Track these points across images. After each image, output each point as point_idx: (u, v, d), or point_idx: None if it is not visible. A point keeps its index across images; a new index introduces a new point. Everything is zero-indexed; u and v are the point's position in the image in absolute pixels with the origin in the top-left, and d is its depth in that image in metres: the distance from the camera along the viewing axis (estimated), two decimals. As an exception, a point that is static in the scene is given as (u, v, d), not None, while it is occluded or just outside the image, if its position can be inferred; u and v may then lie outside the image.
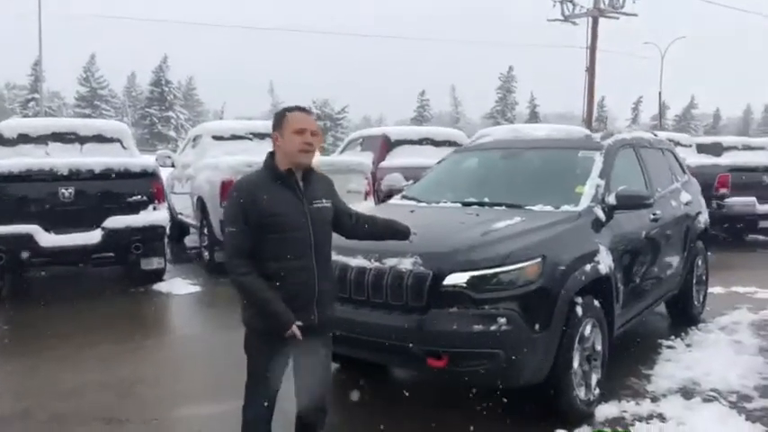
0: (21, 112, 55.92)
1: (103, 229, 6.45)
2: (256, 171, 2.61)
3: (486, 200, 4.27)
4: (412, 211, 4.33)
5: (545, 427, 3.41)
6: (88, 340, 5.11)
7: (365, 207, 7.13)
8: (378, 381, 4.29)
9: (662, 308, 5.54)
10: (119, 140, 8.01)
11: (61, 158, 6.80)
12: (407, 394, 4.03)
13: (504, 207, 4.11)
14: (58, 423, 3.61)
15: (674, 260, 5.10)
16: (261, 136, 8.89)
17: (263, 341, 2.56)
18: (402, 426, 3.57)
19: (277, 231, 2.49)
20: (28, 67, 57.49)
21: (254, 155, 7.74)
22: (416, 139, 10.46)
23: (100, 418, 3.66)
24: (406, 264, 3.32)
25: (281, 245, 2.49)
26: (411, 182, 5.29)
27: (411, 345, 3.24)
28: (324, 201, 2.63)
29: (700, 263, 5.67)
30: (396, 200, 4.98)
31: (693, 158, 10.46)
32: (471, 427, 3.45)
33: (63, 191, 6.40)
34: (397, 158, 9.82)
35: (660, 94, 39.55)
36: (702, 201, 5.98)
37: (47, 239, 6.25)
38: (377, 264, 3.40)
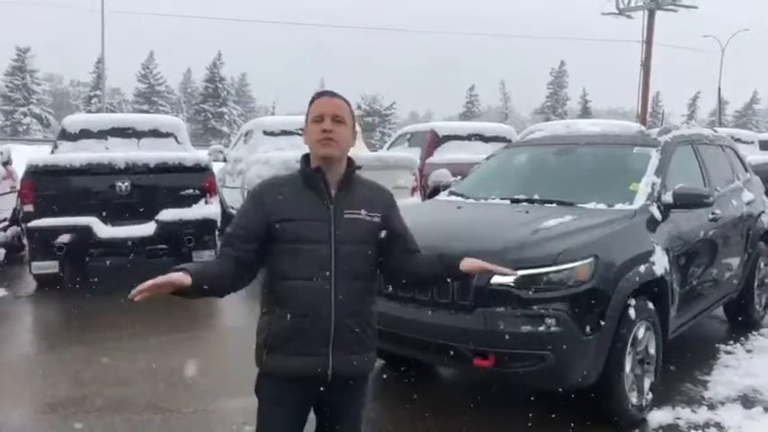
0: (84, 108, 58.17)
1: (157, 221, 6.62)
2: (291, 171, 2.17)
3: (537, 197, 4.18)
4: (459, 208, 4.30)
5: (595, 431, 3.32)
6: (141, 330, 5.26)
7: (411, 203, 7.12)
8: (421, 378, 4.27)
9: (720, 311, 5.32)
10: (173, 135, 8.25)
11: (118, 153, 7.03)
12: (451, 393, 3.99)
13: (555, 204, 4.02)
14: (113, 410, 3.72)
15: (734, 262, 4.89)
16: (310, 131, 9.04)
17: (276, 388, 2.06)
18: (443, 425, 3.54)
19: (287, 240, 1.99)
20: (91, 65, 59.85)
21: (304, 150, 7.84)
22: (465, 135, 10.35)
23: (152, 406, 3.77)
24: (453, 261, 3.27)
25: (290, 259, 1.99)
26: (459, 178, 5.23)
27: (457, 344, 3.20)
28: (363, 212, 2.05)
29: (762, 265, 5.42)
30: (443, 196, 4.93)
31: (756, 156, 9.99)
32: (518, 430, 3.39)
33: (120, 184, 6.59)
34: (445, 154, 9.74)
35: (720, 89, 38.00)
36: (766, 200, 5.71)
37: (104, 231, 6.46)
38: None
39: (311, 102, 2.12)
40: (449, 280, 2.32)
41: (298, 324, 1.98)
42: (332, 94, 2.13)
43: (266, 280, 2.09)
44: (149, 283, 1.80)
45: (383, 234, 2.12)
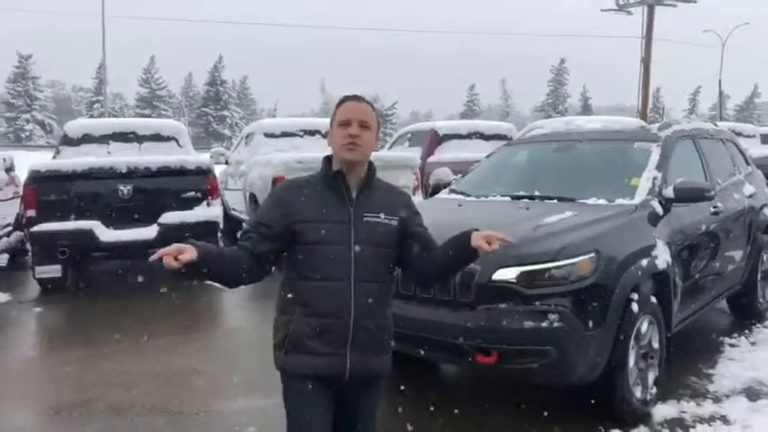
0: (86, 113, 58.35)
1: (159, 224, 6.63)
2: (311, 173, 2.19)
3: (538, 193, 4.18)
4: (460, 206, 4.30)
5: (600, 427, 3.32)
6: (144, 332, 5.26)
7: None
8: (424, 375, 4.27)
9: (724, 304, 5.31)
10: (175, 139, 8.28)
11: (120, 157, 7.05)
12: (454, 390, 3.98)
13: (555, 201, 4.02)
14: (117, 413, 3.73)
15: (737, 254, 4.88)
16: (311, 133, 9.09)
17: (298, 387, 2.07)
18: (447, 422, 3.53)
19: (307, 242, 2.02)
20: (93, 71, 60.09)
21: (305, 151, 7.87)
22: (465, 134, 10.37)
23: (156, 408, 3.77)
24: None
25: (310, 260, 2.02)
26: (459, 176, 5.23)
27: (459, 341, 3.20)
28: (382, 215, 2.08)
29: (765, 257, 5.41)
30: (443, 194, 4.93)
31: (758, 149, 9.98)
32: (524, 426, 3.39)
33: (122, 188, 6.62)
34: (445, 153, 9.76)
35: (720, 82, 37.91)
36: (768, 193, 5.71)
37: (106, 235, 6.49)
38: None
39: (338, 105, 2.16)
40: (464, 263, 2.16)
41: (317, 324, 2.01)
42: (358, 99, 2.16)
43: (285, 280, 2.12)
44: (162, 250, 1.86)
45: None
